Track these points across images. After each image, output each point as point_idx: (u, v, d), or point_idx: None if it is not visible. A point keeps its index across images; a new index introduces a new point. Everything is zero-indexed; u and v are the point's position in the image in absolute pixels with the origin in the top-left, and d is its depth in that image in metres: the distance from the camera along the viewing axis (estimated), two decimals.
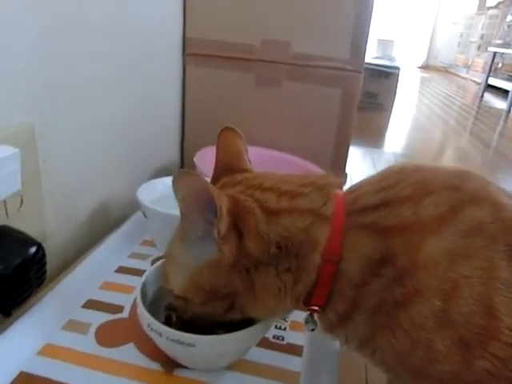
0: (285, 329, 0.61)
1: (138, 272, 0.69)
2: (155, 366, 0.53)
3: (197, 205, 0.40)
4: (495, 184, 0.43)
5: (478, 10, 6.67)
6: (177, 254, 0.46)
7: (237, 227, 0.41)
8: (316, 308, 0.44)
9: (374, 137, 2.57)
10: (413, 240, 0.39)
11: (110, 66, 0.83)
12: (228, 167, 0.50)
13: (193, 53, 1.15)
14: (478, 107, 4.16)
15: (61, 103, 0.70)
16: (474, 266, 0.37)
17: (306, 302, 0.44)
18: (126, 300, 0.64)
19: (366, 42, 1.06)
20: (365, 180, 0.47)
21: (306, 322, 0.48)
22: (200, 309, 0.45)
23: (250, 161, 0.53)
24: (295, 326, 0.61)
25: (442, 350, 0.37)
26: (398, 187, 0.42)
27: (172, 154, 1.21)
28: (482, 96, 4.67)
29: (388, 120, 3.10)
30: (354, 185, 0.47)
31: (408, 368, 0.41)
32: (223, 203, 0.39)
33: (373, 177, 0.47)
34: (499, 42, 5.30)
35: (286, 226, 0.41)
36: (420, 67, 7.90)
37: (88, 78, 0.76)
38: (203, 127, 1.15)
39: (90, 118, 0.79)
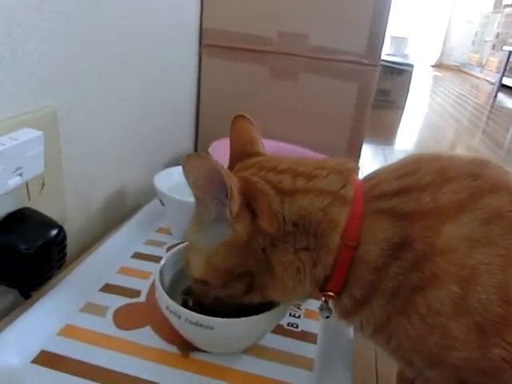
0: (299, 316, 0.61)
1: (154, 258, 0.70)
2: (172, 349, 0.54)
3: (208, 187, 0.40)
4: None
5: (494, 8, 6.58)
6: (194, 239, 0.46)
7: (250, 207, 0.42)
8: (332, 294, 0.44)
9: (386, 134, 2.56)
10: (432, 226, 0.39)
11: (128, 53, 0.84)
12: (242, 153, 0.51)
13: (209, 44, 1.16)
14: (492, 107, 4.12)
15: (82, 88, 0.71)
16: (493, 253, 0.37)
17: (322, 289, 0.44)
18: (142, 285, 0.65)
19: (384, 36, 1.06)
20: (382, 168, 0.47)
21: (321, 309, 0.48)
22: (220, 291, 0.46)
23: (263, 146, 0.53)
24: (309, 314, 0.62)
25: (458, 336, 0.37)
26: (418, 174, 0.42)
27: (186, 143, 1.22)
28: (496, 96, 4.62)
29: (400, 118, 3.08)
30: (371, 173, 0.47)
31: (423, 355, 0.41)
32: (233, 183, 0.40)
33: (390, 165, 0.47)
34: None
35: (302, 204, 0.42)
36: (433, 66, 7.83)
37: (108, 64, 0.77)
38: (218, 118, 1.15)
39: (108, 104, 0.80)
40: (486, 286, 0.36)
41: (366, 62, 1.07)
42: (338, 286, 0.43)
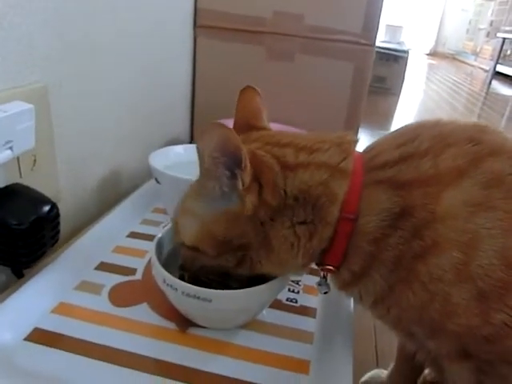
0: (298, 292, 0.61)
1: (150, 237, 0.69)
2: (169, 325, 0.53)
3: (222, 158, 0.40)
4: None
5: None
6: (194, 207, 0.45)
7: (257, 180, 0.41)
8: (331, 267, 0.44)
9: (382, 120, 2.55)
10: (432, 192, 0.38)
11: (122, 33, 0.82)
12: (246, 125, 0.50)
13: (204, 25, 1.14)
14: (486, 94, 4.12)
15: (74, 66, 0.69)
16: (494, 217, 0.36)
17: (321, 263, 0.44)
18: (138, 263, 0.64)
19: (380, 15, 1.04)
20: (381, 138, 0.46)
21: (319, 284, 0.48)
22: (211, 261, 0.45)
23: (267, 120, 0.53)
24: (308, 289, 0.61)
25: (460, 303, 0.37)
26: (417, 141, 0.42)
27: (182, 125, 1.21)
28: (490, 83, 4.62)
29: (396, 104, 3.07)
30: (371, 144, 0.46)
31: (424, 324, 0.41)
32: (247, 155, 0.40)
33: (389, 135, 0.46)
34: (508, 28, 5.22)
35: (303, 179, 0.42)
36: (428, 54, 7.81)
37: (101, 44, 0.75)
38: (213, 99, 1.14)
39: (102, 83, 0.78)
40: (487, 251, 0.36)
41: (362, 41, 1.06)
42: (338, 259, 0.42)
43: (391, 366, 0.61)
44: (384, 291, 0.41)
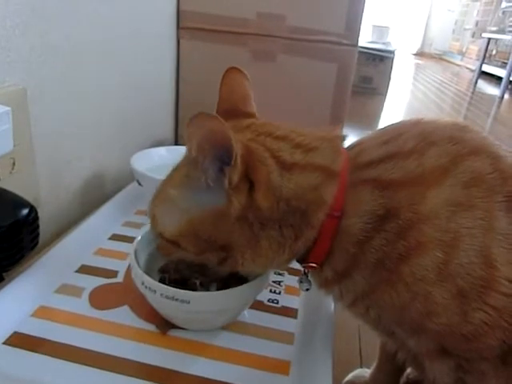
0: (279, 293, 0.61)
1: (132, 240, 0.67)
2: (150, 327, 0.53)
3: (211, 150, 0.37)
4: (492, 138, 0.43)
5: None
6: (177, 198, 0.42)
7: (248, 177, 0.39)
8: (313, 265, 0.43)
9: (369, 120, 2.56)
10: (417, 192, 0.38)
11: (104, 36, 0.82)
12: (232, 111, 0.47)
13: (187, 26, 1.13)
14: (472, 93, 4.16)
15: (56, 67, 0.69)
16: (474, 216, 0.37)
17: (304, 260, 0.43)
18: (120, 265, 0.63)
19: (362, 16, 1.05)
20: (364, 137, 0.46)
21: (301, 281, 0.47)
22: (191, 257, 0.44)
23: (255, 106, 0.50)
24: (290, 290, 0.61)
25: (441, 302, 0.37)
26: (400, 140, 0.42)
27: (167, 126, 1.20)
28: (476, 83, 4.67)
29: (383, 104, 3.09)
30: (355, 141, 0.46)
31: (404, 323, 0.41)
32: (239, 151, 0.37)
33: (373, 133, 0.46)
34: (494, 28, 5.28)
35: (299, 182, 0.40)
36: (415, 54, 7.86)
37: (82, 46, 0.75)
38: (197, 101, 1.13)
39: (84, 85, 0.78)
40: (468, 250, 0.36)
41: (344, 42, 1.07)
42: (321, 257, 0.42)
43: (374, 365, 0.61)
44: (365, 291, 0.41)
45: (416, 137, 0.41)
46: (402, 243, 0.38)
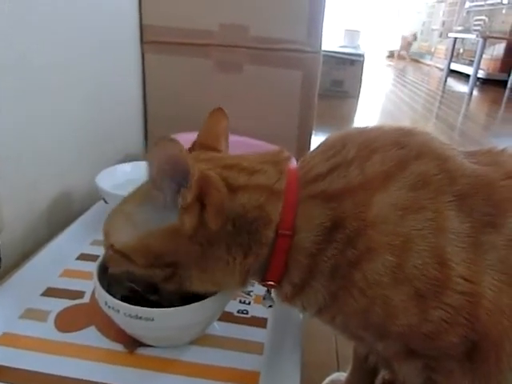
0: (249, 303, 0.61)
1: None
2: (118, 347, 0.52)
3: (170, 172, 0.39)
4: (440, 139, 0.43)
5: None
6: (134, 213, 0.45)
7: (201, 201, 0.41)
8: (272, 283, 0.44)
9: (342, 123, 2.59)
10: (361, 200, 0.39)
11: (65, 53, 0.81)
12: (203, 144, 0.51)
13: (151, 40, 1.13)
14: (443, 92, 4.25)
15: (12, 87, 0.68)
16: (423, 218, 0.37)
17: (263, 279, 0.44)
18: (87, 286, 0.62)
19: (323, 22, 1.07)
20: (312, 151, 0.47)
21: (264, 298, 0.48)
22: (139, 270, 0.45)
23: (227, 145, 0.53)
24: (260, 299, 0.60)
25: (398, 304, 0.38)
26: (344, 151, 0.42)
27: (136, 141, 1.20)
28: (446, 81, 4.77)
29: (355, 107, 3.13)
30: (304, 158, 0.47)
31: (369, 328, 0.41)
32: (196, 175, 0.39)
33: (319, 147, 0.46)
34: (459, 28, 5.42)
35: (241, 202, 0.41)
36: (387, 56, 8.01)
37: (39, 66, 0.74)
38: (166, 114, 1.14)
39: (43, 106, 0.77)
40: (420, 252, 0.37)
41: (308, 49, 1.08)
42: (278, 274, 0.43)
43: (349, 368, 0.62)
44: (326, 300, 0.41)
45: (359, 145, 0.42)
46: (352, 251, 0.38)
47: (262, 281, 0.44)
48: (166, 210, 0.41)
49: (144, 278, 0.46)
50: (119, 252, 0.45)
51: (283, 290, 0.44)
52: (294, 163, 0.46)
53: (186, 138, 0.52)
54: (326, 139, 0.47)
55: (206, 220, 0.41)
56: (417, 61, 7.37)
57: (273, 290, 0.47)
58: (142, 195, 0.45)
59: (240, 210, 0.41)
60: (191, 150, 0.51)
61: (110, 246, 0.46)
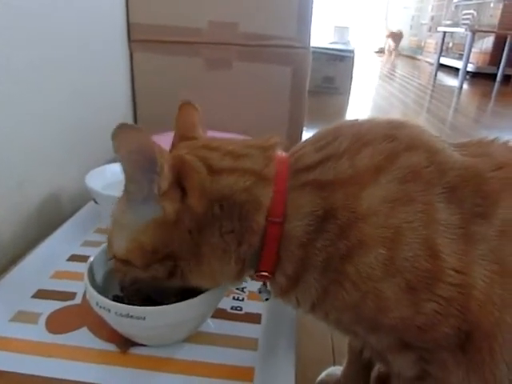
0: (243, 299, 0.60)
1: None
2: (110, 347, 0.52)
3: (139, 162, 0.38)
4: (431, 132, 0.43)
5: None
6: (121, 217, 0.44)
7: (181, 185, 0.40)
8: (266, 274, 0.43)
9: (334, 120, 2.60)
10: (352, 192, 0.39)
11: (51, 54, 0.80)
12: (183, 136, 0.50)
13: (139, 39, 1.13)
14: (433, 86, 4.26)
15: (0, 88, 0.67)
16: (414, 210, 0.37)
17: (256, 270, 0.44)
18: (78, 287, 0.62)
19: (311, 18, 1.07)
20: (304, 141, 0.47)
21: (260, 291, 0.48)
22: (141, 273, 0.44)
23: (204, 131, 0.53)
24: (253, 296, 0.61)
25: (391, 297, 0.37)
26: (336, 142, 0.42)
27: None
28: (436, 75, 4.79)
29: (346, 103, 3.13)
30: (295, 147, 0.47)
31: (362, 322, 0.41)
32: (165, 160, 0.39)
33: (311, 138, 0.47)
34: (448, 22, 5.44)
35: (227, 184, 0.41)
36: (377, 52, 8.02)
37: (24, 67, 0.73)
38: (156, 113, 1.12)
39: (29, 106, 0.76)
40: (411, 244, 0.37)
41: (297, 45, 1.08)
42: (270, 264, 0.42)
43: (344, 362, 0.62)
44: (319, 294, 0.41)
45: (350, 138, 0.42)
46: (344, 243, 0.38)
47: (256, 272, 0.44)
48: (148, 203, 0.41)
49: (149, 281, 0.45)
50: (120, 260, 0.45)
51: (278, 283, 0.43)
52: (282, 151, 0.46)
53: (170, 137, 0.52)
54: (318, 131, 0.46)
55: (190, 203, 0.40)
56: (407, 56, 7.40)
57: (268, 284, 0.46)
58: (124, 198, 0.44)
59: (226, 191, 0.41)
60: (172, 145, 0.50)
61: (113, 256, 0.46)
